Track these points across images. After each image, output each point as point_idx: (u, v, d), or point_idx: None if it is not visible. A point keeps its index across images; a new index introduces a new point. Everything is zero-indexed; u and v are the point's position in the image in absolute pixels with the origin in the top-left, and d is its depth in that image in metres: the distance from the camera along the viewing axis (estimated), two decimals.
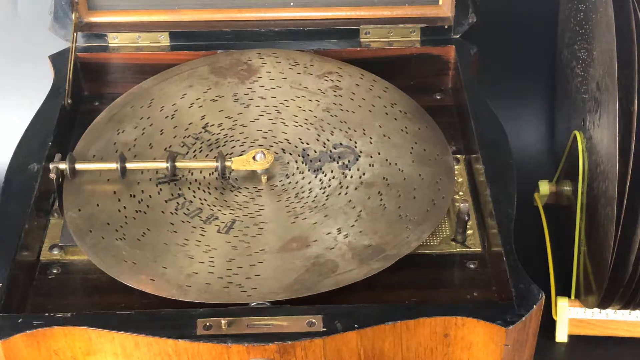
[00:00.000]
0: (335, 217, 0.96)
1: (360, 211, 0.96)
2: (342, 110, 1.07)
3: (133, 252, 0.91)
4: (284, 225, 0.95)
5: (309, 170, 1.01)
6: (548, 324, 1.05)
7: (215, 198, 0.99)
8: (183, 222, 0.96)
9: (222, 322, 0.82)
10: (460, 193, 1.01)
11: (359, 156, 1.01)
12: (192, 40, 1.15)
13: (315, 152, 1.03)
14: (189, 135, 1.05)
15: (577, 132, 1.05)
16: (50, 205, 0.99)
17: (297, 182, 1.00)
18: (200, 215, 0.97)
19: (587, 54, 1.02)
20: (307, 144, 1.04)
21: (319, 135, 1.04)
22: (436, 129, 1.04)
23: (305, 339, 0.81)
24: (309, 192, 0.99)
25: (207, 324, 0.83)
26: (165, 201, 0.98)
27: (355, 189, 0.98)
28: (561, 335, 1.06)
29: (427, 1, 1.17)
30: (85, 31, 1.15)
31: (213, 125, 1.06)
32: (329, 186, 0.99)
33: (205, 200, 0.98)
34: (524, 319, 0.83)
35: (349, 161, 1.01)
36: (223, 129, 1.06)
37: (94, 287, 0.92)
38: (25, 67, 1.32)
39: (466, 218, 0.95)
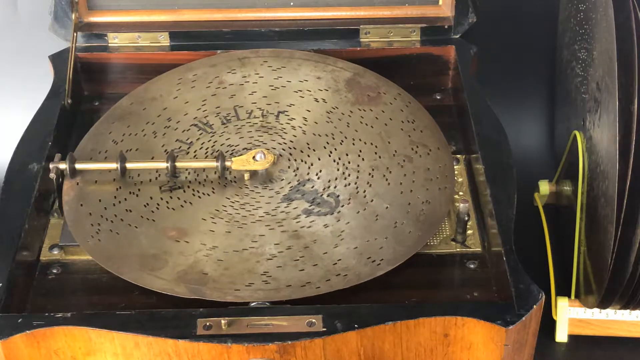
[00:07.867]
0: (228, 237, 0.92)
1: (250, 247, 0.91)
2: (384, 176, 0.98)
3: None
4: (194, 216, 0.94)
5: (283, 195, 0.97)
6: (548, 324, 1.05)
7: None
8: None
9: (222, 322, 0.82)
10: (460, 193, 1.01)
11: (332, 213, 0.95)
12: (192, 40, 1.15)
13: (312, 187, 0.97)
14: (251, 111, 1.06)
15: (577, 132, 1.05)
16: (50, 205, 0.99)
17: (262, 196, 0.97)
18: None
19: (587, 54, 1.02)
20: (318, 178, 0.98)
21: (335, 179, 0.98)
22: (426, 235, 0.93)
23: (305, 339, 0.81)
24: (254, 209, 0.95)
25: (207, 324, 0.83)
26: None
27: (283, 231, 0.93)
28: (561, 335, 1.06)
29: (427, 1, 1.17)
30: (85, 31, 1.15)
31: (288, 116, 1.05)
32: (273, 215, 0.95)
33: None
34: (524, 319, 0.83)
35: (319, 211, 0.95)
36: (288, 123, 1.04)
37: (94, 287, 0.92)
38: (25, 67, 1.32)
39: (466, 218, 0.95)
